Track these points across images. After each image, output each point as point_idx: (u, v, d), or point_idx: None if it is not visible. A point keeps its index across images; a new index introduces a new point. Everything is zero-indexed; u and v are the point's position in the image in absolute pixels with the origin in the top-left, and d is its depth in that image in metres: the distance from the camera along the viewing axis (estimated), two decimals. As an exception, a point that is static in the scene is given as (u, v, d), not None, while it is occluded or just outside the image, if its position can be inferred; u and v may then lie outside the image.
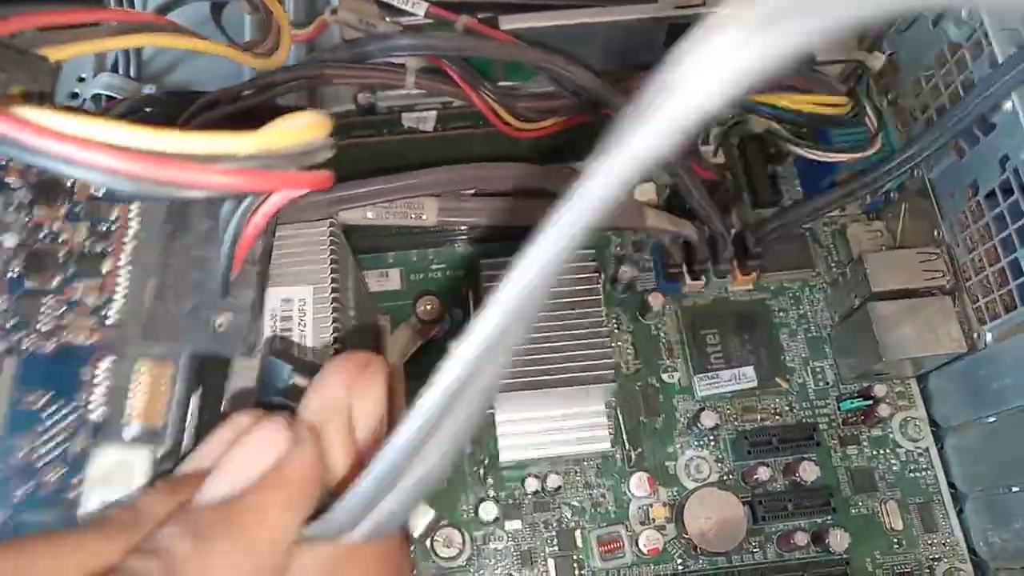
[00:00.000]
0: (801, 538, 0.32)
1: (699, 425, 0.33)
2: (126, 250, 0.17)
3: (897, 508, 0.34)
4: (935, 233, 0.34)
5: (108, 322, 0.16)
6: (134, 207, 0.17)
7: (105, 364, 0.16)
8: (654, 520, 0.33)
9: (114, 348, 0.16)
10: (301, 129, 0.14)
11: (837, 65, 0.35)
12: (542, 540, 0.33)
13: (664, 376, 0.35)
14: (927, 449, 0.35)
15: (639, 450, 0.34)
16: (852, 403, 0.34)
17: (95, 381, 0.16)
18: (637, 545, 0.32)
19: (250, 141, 0.14)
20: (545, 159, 0.33)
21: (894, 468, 0.34)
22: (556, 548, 0.33)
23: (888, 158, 0.33)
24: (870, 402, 0.34)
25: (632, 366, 0.35)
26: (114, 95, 0.37)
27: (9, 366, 0.16)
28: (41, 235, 0.17)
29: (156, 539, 0.13)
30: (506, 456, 0.33)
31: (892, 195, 0.37)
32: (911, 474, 0.34)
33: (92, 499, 0.15)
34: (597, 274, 0.33)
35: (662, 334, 0.36)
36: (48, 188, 0.17)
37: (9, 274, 0.17)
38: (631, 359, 0.35)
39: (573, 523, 0.33)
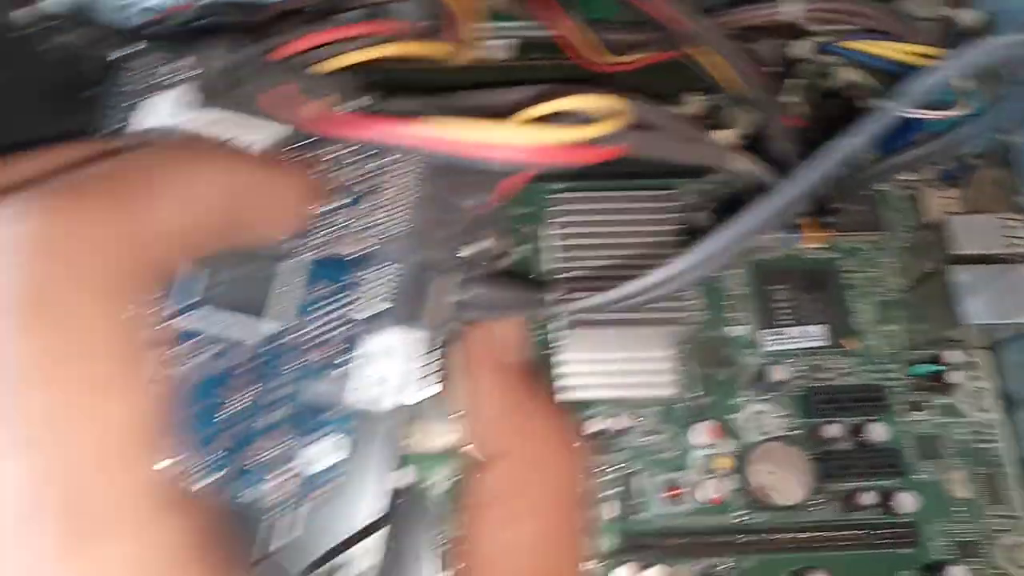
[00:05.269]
0: (867, 498, 0.31)
1: (766, 379, 0.33)
2: (399, 186, 0.21)
3: (963, 477, 0.33)
4: (1016, 200, 0.33)
5: (379, 238, 0.20)
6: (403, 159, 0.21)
7: (374, 270, 0.20)
8: (717, 471, 0.32)
9: (388, 257, 0.20)
10: (606, 123, 0.18)
11: (924, 22, 0.35)
12: (601, 483, 0.32)
13: (730, 329, 0.35)
14: (996, 421, 0.34)
15: (703, 400, 0.33)
16: (922, 368, 0.34)
17: (367, 283, 0.20)
18: (699, 494, 0.31)
19: (558, 133, 0.17)
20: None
21: (961, 437, 0.33)
22: (615, 491, 0.32)
23: (973, 119, 0.32)
24: (942, 368, 0.33)
25: (699, 316, 0.35)
26: (169, 6, 0.36)
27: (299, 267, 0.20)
28: (325, 163, 0.21)
29: None
30: (565, 396, 0.32)
31: (972, 161, 0.36)
32: (978, 445, 0.33)
33: (360, 374, 0.19)
34: (676, 215, 0.32)
35: (729, 286, 0.35)
36: None
37: None
38: (697, 309, 0.35)
39: (633, 468, 0.32)
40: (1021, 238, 0.33)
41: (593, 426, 0.32)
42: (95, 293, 0.12)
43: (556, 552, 0.16)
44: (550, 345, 0.33)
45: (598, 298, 0.17)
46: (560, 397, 0.32)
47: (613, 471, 0.32)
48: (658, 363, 0.33)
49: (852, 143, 0.14)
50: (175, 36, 0.22)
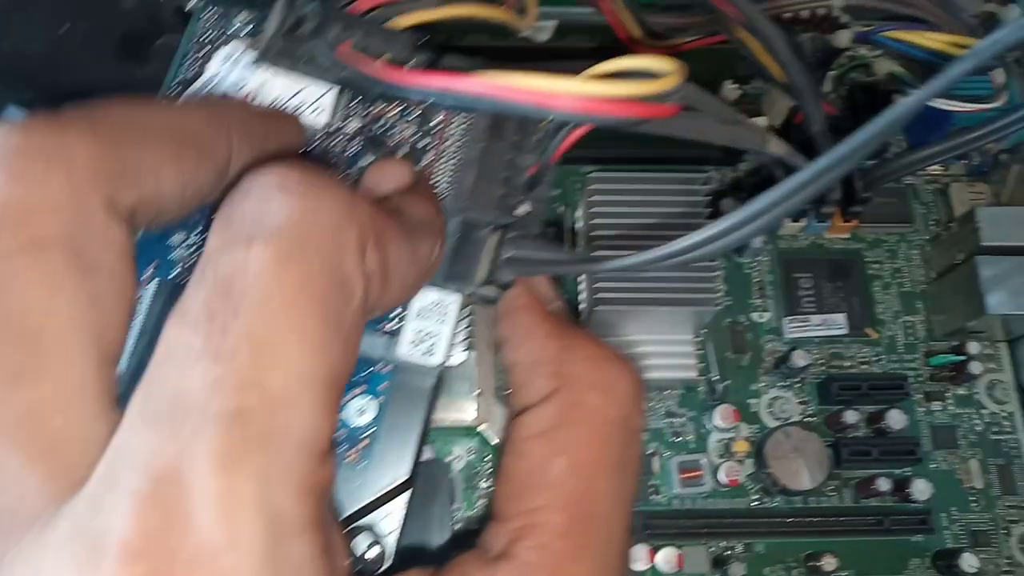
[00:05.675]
0: (882, 484, 0.31)
1: (788, 365, 0.33)
2: (447, 148, 0.21)
3: (977, 467, 0.33)
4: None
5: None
6: (458, 117, 0.22)
7: None
8: (735, 453, 0.33)
9: None
10: (661, 81, 0.18)
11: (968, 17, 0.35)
12: (620, 462, 0.33)
13: (754, 315, 0.35)
14: (1012, 413, 0.34)
15: (724, 384, 0.34)
16: (943, 358, 0.34)
17: None
18: (717, 476, 0.32)
19: (620, 87, 0.18)
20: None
21: (977, 428, 0.34)
22: (633, 472, 0.33)
23: (1005, 113, 0.32)
24: (962, 358, 0.34)
25: (722, 301, 0.35)
26: None
27: None
28: (377, 126, 0.21)
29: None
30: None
31: (1001, 157, 0.36)
32: (994, 436, 0.34)
33: (409, 328, 0.19)
34: (708, 198, 0.32)
35: (754, 273, 0.36)
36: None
37: (347, 152, 0.21)
38: (722, 294, 0.35)
39: (652, 448, 0.33)
40: (1049, 232, 0.33)
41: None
42: None
43: (605, 480, 0.17)
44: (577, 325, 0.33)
45: (634, 258, 0.17)
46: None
47: (634, 450, 0.33)
48: (680, 346, 0.33)
49: (879, 128, 0.15)
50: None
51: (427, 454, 0.31)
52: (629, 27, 0.31)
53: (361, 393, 0.19)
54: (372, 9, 0.22)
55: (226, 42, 0.21)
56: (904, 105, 0.18)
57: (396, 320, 0.19)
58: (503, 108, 0.18)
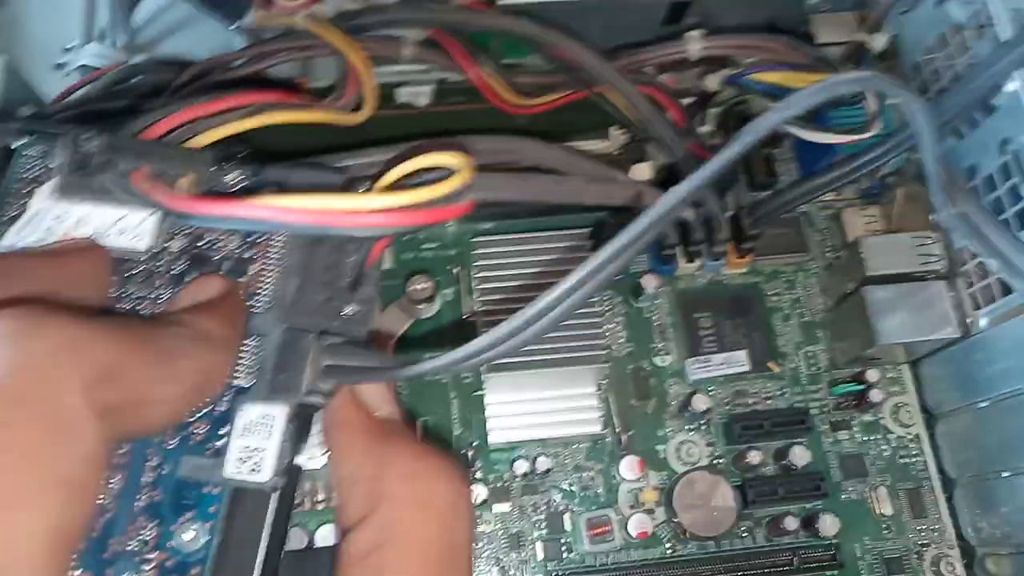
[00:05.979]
0: (791, 523, 0.31)
1: (691, 409, 0.33)
2: (271, 257, 0.21)
3: (887, 494, 0.33)
4: (931, 218, 0.34)
5: (254, 310, 0.20)
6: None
7: (252, 342, 0.20)
8: (643, 504, 0.33)
9: (259, 329, 0.20)
10: (449, 181, 0.18)
11: (838, 47, 0.35)
12: (531, 523, 0.32)
13: (656, 359, 0.35)
14: (918, 435, 0.34)
15: (629, 433, 0.34)
16: (844, 388, 0.34)
17: (245, 354, 0.20)
18: (626, 529, 0.32)
19: (405, 197, 0.18)
20: (541, 136, 0.32)
21: (884, 454, 0.34)
22: (545, 531, 0.32)
23: (884, 139, 0.32)
24: (862, 387, 0.34)
25: (623, 349, 0.35)
26: (101, 65, 0.36)
27: None
28: (201, 242, 0.21)
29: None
30: (495, 438, 0.33)
31: (889, 179, 0.37)
32: (901, 460, 0.34)
33: (235, 446, 0.19)
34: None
35: (654, 317, 0.36)
36: None
37: (173, 271, 0.21)
38: (622, 342, 0.35)
39: (562, 506, 0.33)
40: (935, 255, 0.33)
41: (520, 468, 0.32)
42: None
43: None
44: (479, 389, 0.33)
45: (444, 359, 0.17)
46: (490, 440, 0.32)
47: (540, 512, 0.33)
48: (583, 400, 0.33)
49: (700, 178, 0.16)
50: (74, 118, 0.22)
51: (330, 540, 0.31)
52: (499, 91, 0.32)
53: (191, 518, 0.19)
54: (170, 131, 0.21)
55: (49, 177, 0.21)
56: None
57: (222, 439, 0.19)
58: (294, 231, 0.18)
